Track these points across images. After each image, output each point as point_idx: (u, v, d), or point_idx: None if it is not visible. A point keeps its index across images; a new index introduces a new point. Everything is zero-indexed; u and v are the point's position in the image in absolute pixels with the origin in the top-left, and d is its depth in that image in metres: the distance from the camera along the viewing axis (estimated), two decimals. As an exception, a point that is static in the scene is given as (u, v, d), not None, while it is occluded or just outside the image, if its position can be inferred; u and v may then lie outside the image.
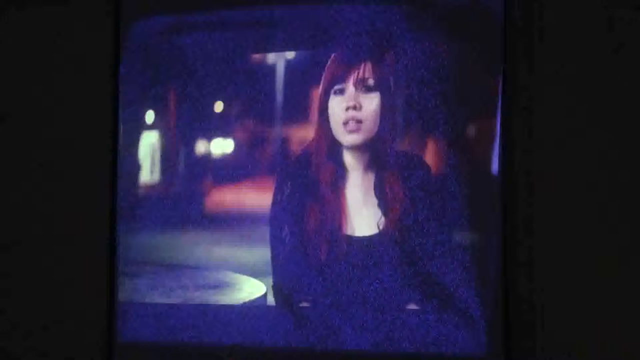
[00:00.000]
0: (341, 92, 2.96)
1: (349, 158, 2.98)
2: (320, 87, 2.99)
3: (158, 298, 3.17)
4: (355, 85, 2.94)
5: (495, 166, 2.84)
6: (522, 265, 2.82)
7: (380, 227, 2.92)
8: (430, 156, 2.91)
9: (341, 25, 3.00)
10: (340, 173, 2.98)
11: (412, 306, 2.89)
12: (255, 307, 3.06)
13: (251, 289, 3.08)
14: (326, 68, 2.99)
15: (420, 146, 2.92)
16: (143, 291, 3.19)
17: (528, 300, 2.81)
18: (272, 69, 3.10)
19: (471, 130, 2.91)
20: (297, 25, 3.07)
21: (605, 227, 2.77)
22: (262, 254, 3.05)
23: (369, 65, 2.95)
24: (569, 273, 2.79)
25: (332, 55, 2.99)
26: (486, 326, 2.82)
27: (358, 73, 2.94)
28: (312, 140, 3.01)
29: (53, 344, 3.27)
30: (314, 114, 3.01)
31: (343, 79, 2.96)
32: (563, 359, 2.78)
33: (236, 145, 3.14)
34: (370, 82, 2.94)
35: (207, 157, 3.17)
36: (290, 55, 3.09)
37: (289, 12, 3.08)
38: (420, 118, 2.91)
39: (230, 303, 3.10)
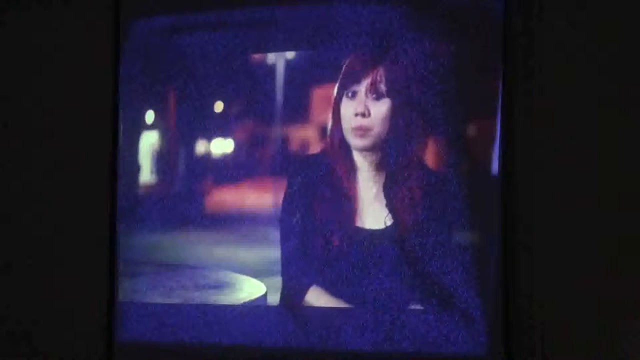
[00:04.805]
0: (353, 95, 2.96)
1: (358, 158, 2.98)
2: (336, 86, 2.99)
3: (158, 298, 3.17)
4: (367, 91, 2.94)
5: (495, 166, 2.84)
6: (522, 265, 2.83)
7: (388, 224, 2.92)
8: (430, 156, 2.92)
9: (341, 25, 3.00)
10: (349, 172, 2.98)
11: (412, 306, 2.89)
12: (255, 307, 3.06)
13: (251, 289, 3.09)
14: (343, 68, 2.99)
15: (420, 146, 2.92)
16: (143, 291, 3.19)
17: (528, 300, 2.81)
18: (272, 69, 3.10)
19: (471, 130, 2.91)
20: (297, 25, 3.07)
21: (605, 227, 2.77)
22: (262, 254, 3.05)
23: (381, 71, 2.95)
24: (568, 273, 2.79)
25: (351, 56, 2.99)
26: (486, 326, 2.82)
27: (371, 79, 2.94)
28: (325, 138, 3.01)
29: (53, 343, 3.27)
30: (324, 113, 3.00)
31: (357, 82, 2.96)
32: (563, 359, 2.78)
33: (236, 145, 3.14)
34: (382, 88, 2.94)
35: (207, 157, 3.17)
36: (290, 55, 3.09)
37: (289, 12, 3.08)
38: (420, 118, 2.91)
39: (230, 303, 3.10)
